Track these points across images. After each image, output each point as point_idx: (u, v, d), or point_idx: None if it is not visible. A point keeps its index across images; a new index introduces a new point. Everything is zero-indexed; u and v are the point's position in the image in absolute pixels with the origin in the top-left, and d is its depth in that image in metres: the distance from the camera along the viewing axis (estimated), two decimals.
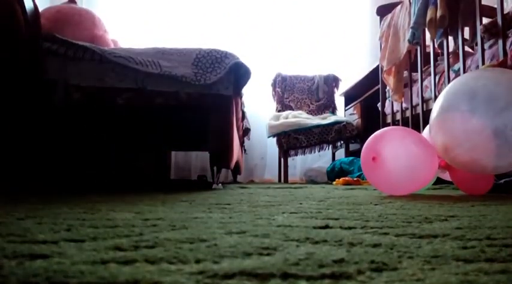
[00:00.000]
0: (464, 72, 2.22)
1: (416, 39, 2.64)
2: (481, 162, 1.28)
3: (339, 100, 4.25)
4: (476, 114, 1.25)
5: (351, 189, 2.03)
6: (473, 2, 2.16)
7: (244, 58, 1.94)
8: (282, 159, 3.96)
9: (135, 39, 3.88)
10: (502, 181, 1.60)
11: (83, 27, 1.96)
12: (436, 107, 1.38)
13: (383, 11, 3.30)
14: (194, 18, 4.20)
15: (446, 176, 1.59)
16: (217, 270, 0.34)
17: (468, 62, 2.26)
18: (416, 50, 2.79)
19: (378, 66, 3.35)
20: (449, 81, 2.28)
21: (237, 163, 2.60)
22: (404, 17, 2.83)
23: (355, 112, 3.81)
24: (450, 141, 1.32)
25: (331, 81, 4.19)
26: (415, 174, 1.36)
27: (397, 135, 1.46)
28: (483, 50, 2.06)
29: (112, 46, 2.12)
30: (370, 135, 1.49)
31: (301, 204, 1.06)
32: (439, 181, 1.77)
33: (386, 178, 1.40)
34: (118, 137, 2.55)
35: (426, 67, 2.74)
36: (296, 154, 3.76)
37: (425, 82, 2.69)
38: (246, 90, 2.15)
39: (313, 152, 3.66)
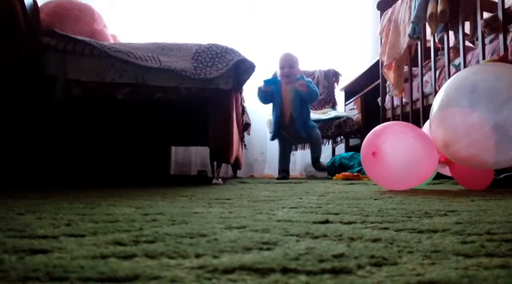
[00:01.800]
0: (464, 67, 2.21)
1: (417, 34, 2.64)
2: (481, 157, 1.28)
3: (339, 95, 4.24)
4: (476, 109, 1.25)
5: (351, 183, 2.03)
6: None
7: (244, 53, 1.94)
8: None
9: (135, 34, 3.87)
10: (502, 176, 1.60)
11: (82, 21, 1.96)
12: (436, 102, 1.38)
13: (383, 6, 3.29)
14: (194, 14, 4.19)
15: (446, 171, 1.59)
16: (217, 265, 0.34)
17: (469, 56, 2.25)
18: (417, 44, 2.78)
19: (378, 61, 3.35)
20: (449, 76, 2.27)
21: (237, 158, 2.60)
22: (404, 11, 2.82)
23: (355, 107, 3.80)
24: (450, 136, 1.31)
25: (332, 76, 4.18)
26: (415, 169, 1.36)
27: (397, 130, 1.46)
28: (484, 45, 2.06)
29: (111, 41, 2.11)
30: (370, 130, 1.49)
31: (301, 198, 1.06)
32: (439, 176, 1.77)
33: (386, 173, 1.40)
34: (118, 132, 2.55)
35: (426, 62, 2.73)
36: (296, 149, 3.75)
37: (425, 77, 2.69)
38: (246, 85, 2.14)
39: None
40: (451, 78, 1.39)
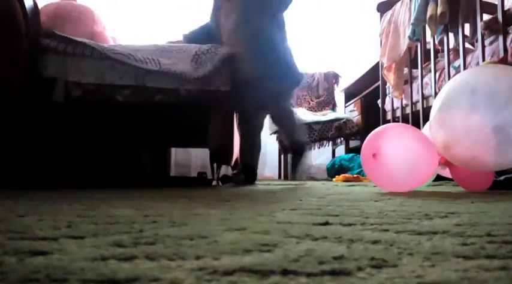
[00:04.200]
0: (464, 68, 2.21)
1: (417, 35, 2.64)
2: (481, 159, 1.28)
3: (339, 97, 4.25)
4: (476, 111, 1.25)
5: (351, 185, 2.03)
6: None
7: None
8: (282, 156, 3.96)
9: (134, 37, 3.88)
10: (502, 178, 1.60)
11: (83, 23, 1.96)
12: (436, 104, 1.38)
13: (383, 8, 3.30)
14: (194, 15, 4.19)
15: (447, 173, 1.59)
16: (217, 267, 0.34)
17: (468, 58, 2.25)
18: (417, 46, 2.79)
19: (378, 62, 3.35)
20: (449, 78, 2.28)
21: (237, 160, 2.60)
22: (404, 13, 2.83)
23: (355, 108, 3.81)
24: (450, 138, 1.31)
25: (332, 78, 4.19)
26: (415, 170, 1.36)
27: (397, 131, 1.46)
28: (483, 47, 2.06)
29: (111, 43, 2.12)
30: (370, 132, 1.49)
31: (301, 200, 1.06)
32: (439, 177, 1.77)
33: (386, 175, 1.40)
34: (118, 134, 2.55)
35: (426, 64, 2.73)
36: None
37: (425, 79, 2.69)
38: None
39: (313, 149, 3.67)
40: (451, 80, 1.39)
